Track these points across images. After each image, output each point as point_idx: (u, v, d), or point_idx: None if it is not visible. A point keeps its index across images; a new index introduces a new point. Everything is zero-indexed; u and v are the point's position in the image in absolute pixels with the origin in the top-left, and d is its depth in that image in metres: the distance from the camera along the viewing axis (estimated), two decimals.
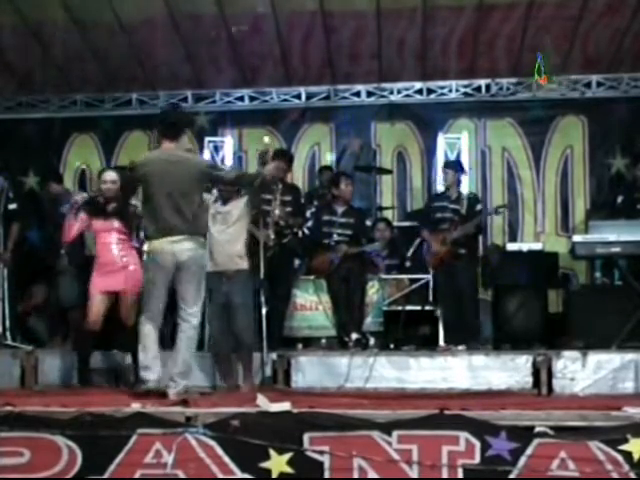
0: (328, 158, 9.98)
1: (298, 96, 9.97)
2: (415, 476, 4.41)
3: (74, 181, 10.14)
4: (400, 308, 7.99)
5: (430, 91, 9.83)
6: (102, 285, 6.61)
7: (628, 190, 8.50)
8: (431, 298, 8.22)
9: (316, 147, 10.13)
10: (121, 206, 6.63)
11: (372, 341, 7.85)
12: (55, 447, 4.58)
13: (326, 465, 4.46)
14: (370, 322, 8.03)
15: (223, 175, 6.19)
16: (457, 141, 9.44)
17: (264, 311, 6.96)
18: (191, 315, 5.83)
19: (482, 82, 9.72)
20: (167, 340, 6.46)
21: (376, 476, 4.43)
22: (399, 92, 9.89)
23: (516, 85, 9.59)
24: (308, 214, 8.52)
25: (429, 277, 8.32)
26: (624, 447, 4.32)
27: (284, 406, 4.75)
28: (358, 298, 7.89)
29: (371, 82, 9.83)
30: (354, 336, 7.68)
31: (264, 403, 4.82)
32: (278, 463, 4.46)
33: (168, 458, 4.51)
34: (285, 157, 8.24)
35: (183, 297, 5.85)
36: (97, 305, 6.60)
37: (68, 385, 6.96)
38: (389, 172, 9.84)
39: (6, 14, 8.58)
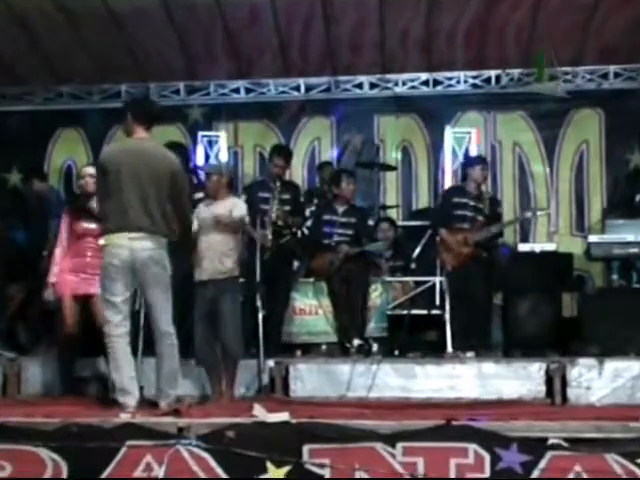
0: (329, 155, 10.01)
1: (297, 88, 9.96)
2: None
3: (59, 178, 10.15)
4: (405, 312, 8.00)
5: (437, 82, 9.83)
6: (73, 286, 6.68)
7: None
8: (438, 301, 8.21)
9: (316, 142, 10.13)
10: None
11: (375, 347, 7.83)
12: (38, 460, 4.56)
13: (326, 478, 4.44)
14: (373, 327, 8.01)
15: (181, 192, 5.87)
16: (466, 135, 9.43)
17: (260, 316, 6.96)
18: (164, 323, 5.73)
19: (492, 73, 9.71)
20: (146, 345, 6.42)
21: None
22: (404, 83, 9.89)
23: (528, 76, 9.56)
24: (307, 213, 8.53)
25: (436, 279, 8.32)
26: None
27: (282, 416, 4.75)
28: (360, 301, 7.88)
29: (374, 73, 9.83)
30: (356, 342, 7.68)
31: (261, 413, 4.82)
32: (276, 476, 4.44)
33: (159, 471, 4.49)
34: (283, 153, 8.24)
35: (151, 304, 5.76)
36: (70, 307, 6.68)
37: (53, 394, 6.93)
38: (393, 169, 9.83)
39: None
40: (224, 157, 9.50)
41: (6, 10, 8.70)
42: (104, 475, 4.53)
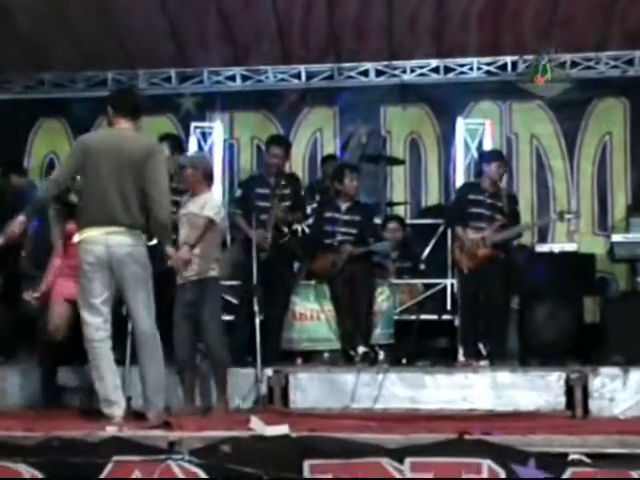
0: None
1: (297, 75, 9.98)
2: None
3: (41, 172, 10.15)
4: (413, 317, 8.00)
5: (448, 69, 9.84)
6: (68, 292, 6.62)
7: None
8: (449, 306, 8.21)
9: (318, 133, 10.14)
10: None
11: (381, 355, 7.85)
12: (17, 477, 4.55)
13: None
14: (379, 333, 8.01)
15: (154, 170, 5.71)
16: (479, 127, 9.40)
17: (258, 321, 6.96)
18: (147, 325, 5.69)
19: (507, 59, 9.73)
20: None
21: None
22: (412, 71, 9.90)
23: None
24: (309, 210, 8.52)
25: (447, 281, 8.32)
26: None
27: (281, 429, 4.75)
28: (365, 306, 7.88)
29: (380, 60, 9.84)
30: (361, 349, 7.68)
31: (259, 426, 4.82)
32: None
33: None
34: (282, 145, 8.23)
35: (130, 305, 5.72)
36: (59, 311, 6.66)
37: (33, 406, 6.93)
38: (401, 162, 9.84)
39: None
40: (219, 150, 9.44)
41: None
42: None
